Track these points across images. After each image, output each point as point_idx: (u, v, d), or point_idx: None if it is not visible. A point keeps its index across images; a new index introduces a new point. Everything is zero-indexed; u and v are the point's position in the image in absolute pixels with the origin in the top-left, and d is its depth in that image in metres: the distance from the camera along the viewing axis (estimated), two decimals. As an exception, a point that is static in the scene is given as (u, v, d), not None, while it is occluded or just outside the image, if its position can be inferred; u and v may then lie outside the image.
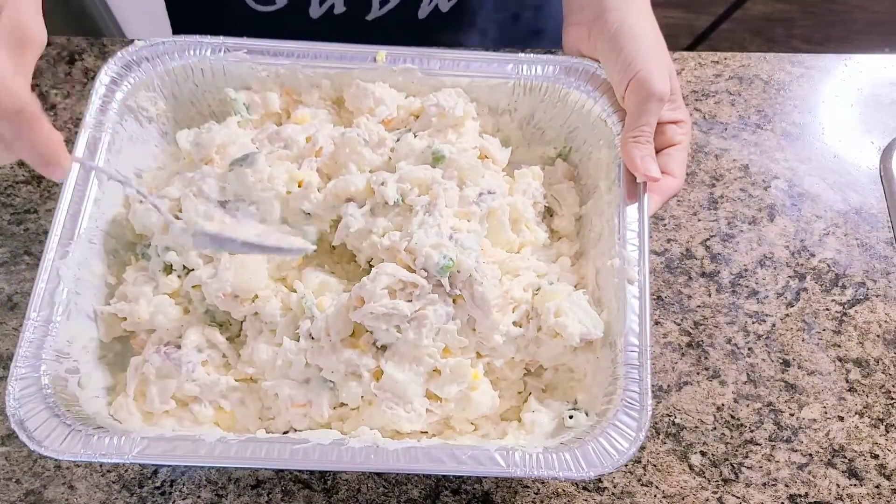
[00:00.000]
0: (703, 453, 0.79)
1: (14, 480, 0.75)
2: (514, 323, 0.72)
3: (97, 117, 0.76)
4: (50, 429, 0.63)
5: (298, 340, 0.70)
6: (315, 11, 1.01)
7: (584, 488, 0.76)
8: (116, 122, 0.77)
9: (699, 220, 0.91)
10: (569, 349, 0.72)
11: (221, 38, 0.80)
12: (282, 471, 0.77)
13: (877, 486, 0.77)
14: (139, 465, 0.76)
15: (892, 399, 0.82)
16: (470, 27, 1.10)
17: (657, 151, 0.77)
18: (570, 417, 0.70)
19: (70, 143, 0.93)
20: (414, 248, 0.70)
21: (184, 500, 0.75)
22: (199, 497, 0.75)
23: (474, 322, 0.71)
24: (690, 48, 2.05)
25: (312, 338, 0.70)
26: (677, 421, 0.80)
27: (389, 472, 0.76)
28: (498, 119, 0.85)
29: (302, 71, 0.81)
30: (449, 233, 0.72)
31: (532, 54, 0.83)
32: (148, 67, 0.79)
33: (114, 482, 0.76)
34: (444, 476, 0.77)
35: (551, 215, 0.84)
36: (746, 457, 0.78)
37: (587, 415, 0.70)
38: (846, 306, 0.87)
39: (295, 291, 0.73)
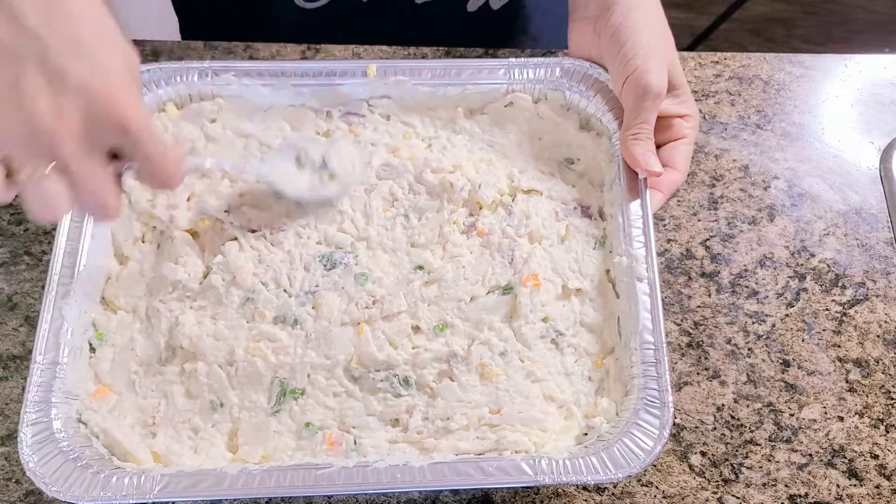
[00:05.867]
0: (703, 453, 0.79)
1: (14, 480, 0.75)
2: None
3: None
4: (67, 473, 0.63)
5: None
6: None
7: (585, 489, 0.76)
8: None
9: (699, 220, 0.91)
10: None
11: (208, 62, 0.80)
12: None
13: (877, 487, 0.77)
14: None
15: (892, 399, 0.82)
16: (521, 31, 1.07)
17: (663, 145, 0.76)
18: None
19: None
20: None
21: None
22: None
23: None
24: (690, 48, 2.05)
25: None
26: (677, 421, 0.80)
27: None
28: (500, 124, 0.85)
29: (291, 88, 0.80)
30: None
31: (523, 58, 0.82)
32: None
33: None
34: (444, 476, 0.76)
35: (572, 164, 0.83)
36: (746, 457, 0.78)
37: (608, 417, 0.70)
38: (846, 306, 0.87)
39: None
